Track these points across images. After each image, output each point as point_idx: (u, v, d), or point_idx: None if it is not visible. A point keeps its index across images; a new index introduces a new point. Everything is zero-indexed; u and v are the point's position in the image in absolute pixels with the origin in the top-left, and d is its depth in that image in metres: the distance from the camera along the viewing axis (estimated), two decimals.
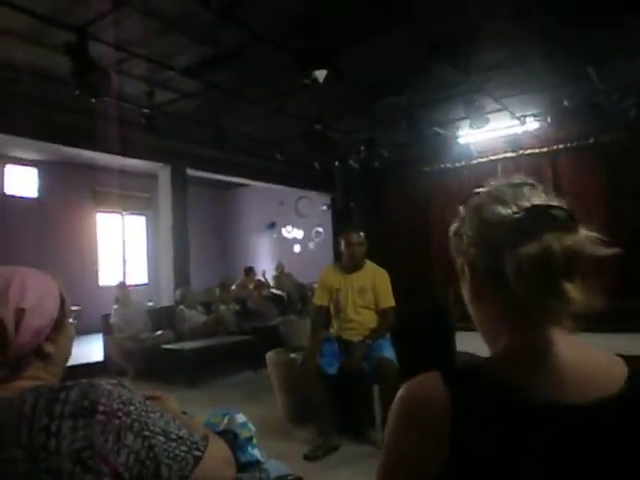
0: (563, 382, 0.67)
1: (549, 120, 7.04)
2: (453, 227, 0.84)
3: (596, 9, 4.29)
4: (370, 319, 3.71)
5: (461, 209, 0.81)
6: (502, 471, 0.64)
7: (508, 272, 0.66)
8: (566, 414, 0.65)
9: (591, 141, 8.08)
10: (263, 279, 9.54)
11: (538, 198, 0.72)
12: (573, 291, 0.65)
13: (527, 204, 0.71)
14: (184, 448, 0.93)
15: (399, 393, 0.73)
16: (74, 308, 1.08)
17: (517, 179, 0.78)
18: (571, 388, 0.66)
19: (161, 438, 0.91)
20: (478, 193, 0.80)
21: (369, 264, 3.83)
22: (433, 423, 0.67)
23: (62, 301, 1.01)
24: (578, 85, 6.04)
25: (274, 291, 8.87)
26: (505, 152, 8.74)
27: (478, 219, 0.75)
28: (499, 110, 6.89)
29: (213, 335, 6.61)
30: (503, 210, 0.72)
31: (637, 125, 6.64)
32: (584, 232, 0.67)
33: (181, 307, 6.86)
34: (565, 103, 6.41)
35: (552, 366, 0.68)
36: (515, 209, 0.71)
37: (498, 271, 0.69)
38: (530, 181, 0.77)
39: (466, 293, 0.80)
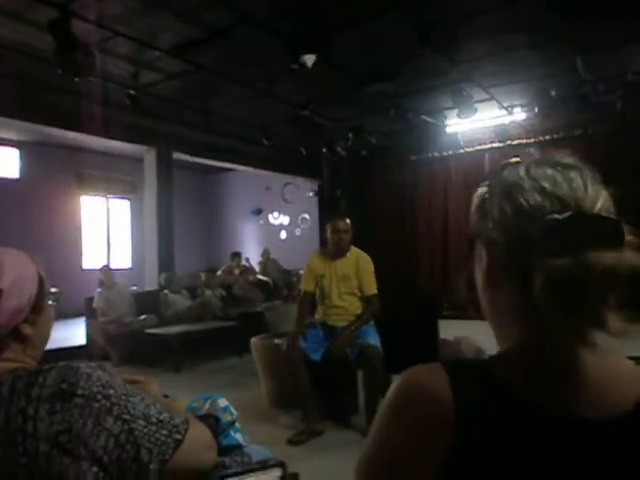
0: (582, 393, 0.60)
1: (536, 110, 7.06)
2: (478, 197, 0.72)
3: None
4: (355, 306, 3.73)
5: (491, 180, 0.70)
6: None
7: (534, 278, 0.58)
8: (582, 429, 0.59)
9: (578, 132, 8.14)
10: (247, 265, 9.52)
11: (585, 194, 0.62)
12: (607, 317, 0.56)
13: (572, 203, 0.61)
14: (164, 432, 0.92)
15: (397, 381, 0.66)
16: (54, 290, 1.06)
17: (565, 158, 0.67)
18: (590, 401, 0.60)
19: (141, 422, 0.90)
20: (515, 165, 0.68)
21: (354, 250, 3.84)
22: (434, 420, 0.60)
23: (41, 282, 0.99)
24: (565, 76, 6.06)
25: (260, 277, 8.87)
26: (492, 142, 8.77)
27: (511, 203, 0.64)
28: (487, 100, 6.90)
29: (198, 320, 6.59)
30: (543, 202, 0.62)
31: (624, 117, 6.69)
32: (630, 250, 0.58)
33: (165, 292, 6.82)
34: (552, 94, 6.43)
35: (571, 375, 0.61)
36: (557, 206, 0.61)
37: (521, 269, 0.61)
38: (578, 163, 0.67)
39: (480, 278, 0.71)
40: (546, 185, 0.63)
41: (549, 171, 0.65)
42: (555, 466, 0.58)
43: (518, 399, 0.60)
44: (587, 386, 0.60)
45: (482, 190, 0.72)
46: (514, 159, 0.70)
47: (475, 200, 0.72)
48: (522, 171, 0.66)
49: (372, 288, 3.74)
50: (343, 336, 3.56)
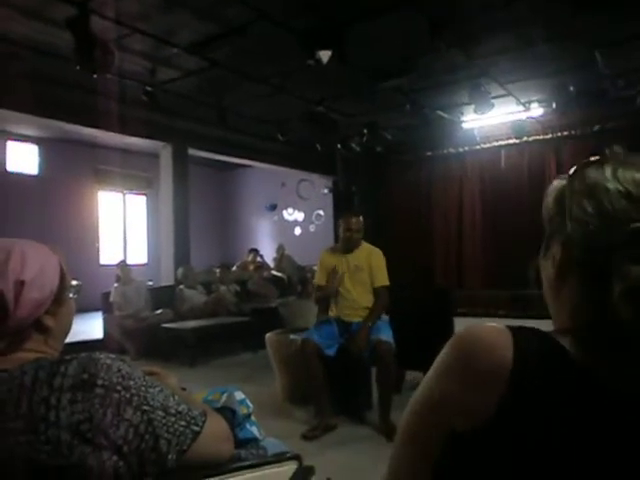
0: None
1: (554, 106, 6.97)
2: (555, 191, 0.72)
3: None
4: (365, 298, 3.74)
5: (572, 176, 0.69)
6: (556, 456, 0.59)
7: (614, 282, 0.59)
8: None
9: (596, 129, 8.02)
10: (261, 261, 9.56)
11: None
12: None
13: None
14: (183, 423, 0.94)
15: (459, 333, 0.66)
16: (74, 283, 1.07)
17: None
18: None
19: (160, 412, 0.91)
20: (599, 163, 0.67)
21: (365, 244, 3.86)
22: (491, 372, 0.61)
23: (62, 274, 1.01)
24: (584, 71, 5.98)
25: (274, 273, 8.89)
26: (509, 138, 8.68)
27: (594, 203, 0.64)
28: (504, 95, 6.83)
29: (213, 315, 6.64)
30: (628, 208, 0.61)
31: None
32: None
33: (181, 287, 6.88)
34: (571, 89, 6.34)
35: (631, 354, 0.61)
36: None
37: (597, 269, 0.62)
38: None
39: (549, 270, 0.71)
40: (633, 190, 0.62)
41: (637, 175, 0.64)
42: (597, 436, 0.59)
43: (576, 365, 0.61)
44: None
45: (559, 184, 0.71)
46: (595, 157, 0.69)
47: (551, 193, 0.72)
48: (608, 172, 0.65)
49: (383, 280, 3.75)
50: (360, 334, 3.56)
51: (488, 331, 0.65)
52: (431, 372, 0.68)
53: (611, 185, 0.64)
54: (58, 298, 0.99)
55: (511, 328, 0.65)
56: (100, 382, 0.87)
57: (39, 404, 0.84)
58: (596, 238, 0.62)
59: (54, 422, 0.83)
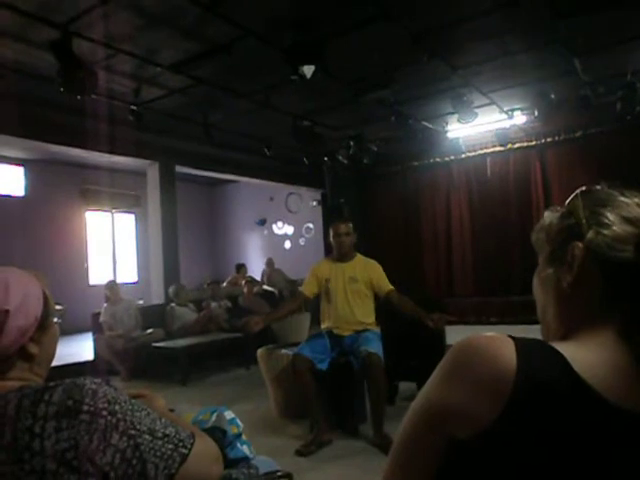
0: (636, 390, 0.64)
1: (536, 114, 7.07)
2: (554, 213, 0.81)
3: None
4: (358, 310, 3.72)
5: (581, 194, 0.78)
6: (555, 466, 0.60)
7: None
8: (633, 424, 0.62)
9: (578, 134, 8.14)
10: (252, 276, 9.54)
11: None
12: None
13: None
14: (170, 446, 0.93)
15: (461, 341, 0.68)
16: (58, 307, 1.07)
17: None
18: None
19: (147, 437, 0.91)
20: (603, 187, 0.77)
21: (359, 256, 3.86)
22: (493, 381, 0.62)
23: (46, 301, 1.00)
24: (565, 78, 6.08)
25: (265, 287, 8.87)
26: (494, 146, 8.79)
27: (614, 210, 0.73)
28: (487, 104, 6.91)
29: (204, 332, 6.60)
30: None
31: (624, 118, 6.69)
32: None
33: (172, 305, 6.84)
34: (552, 96, 6.43)
35: (631, 371, 0.65)
36: None
37: (616, 267, 0.69)
38: None
39: (563, 277, 0.75)
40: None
41: (637, 197, 0.74)
42: (598, 453, 0.60)
43: (579, 379, 0.63)
44: None
45: (553, 210, 0.81)
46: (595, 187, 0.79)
47: (549, 216, 0.81)
48: (616, 192, 0.75)
49: (389, 285, 3.74)
50: (433, 314, 3.48)
51: (490, 340, 0.66)
52: (431, 380, 0.69)
53: (624, 198, 0.74)
54: (42, 325, 0.99)
55: (513, 337, 0.66)
56: (85, 408, 0.87)
57: (23, 433, 0.83)
58: (622, 238, 0.70)
59: (39, 451, 0.83)
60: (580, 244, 0.73)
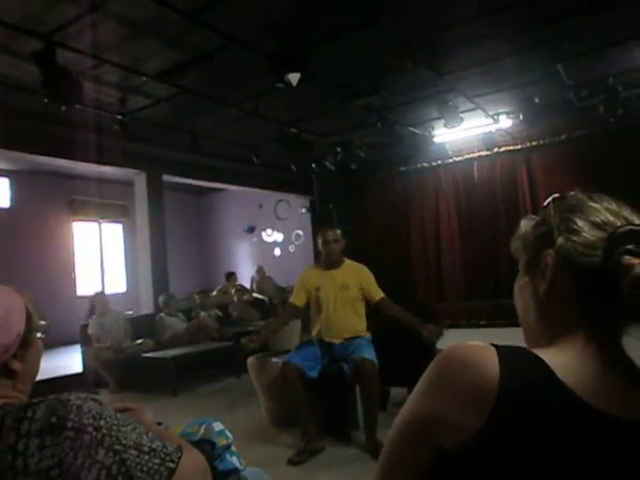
0: (619, 394, 0.65)
1: (521, 118, 7.13)
2: (529, 221, 0.81)
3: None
4: (350, 318, 3.70)
5: (553, 203, 0.78)
6: (542, 472, 0.61)
7: (620, 276, 0.64)
8: (616, 428, 0.63)
9: (563, 137, 8.24)
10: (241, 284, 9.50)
11: (632, 216, 0.73)
12: None
13: (633, 221, 0.71)
14: (157, 460, 0.92)
15: (445, 351, 0.68)
16: (42, 322, 1.06)
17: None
18: (627, 402, 0.65)
19: (133, 452, 0.90)
20: (572, 195, 0.78)
21: (348, 262, 3.84)
22: (477, 391, 0.62)
23: (28, 317, 0.99)
24: (548, 82, 6.14)
25: (255, 295, 8.83)
26: (480, 150, 8.86)
27: (583, 216, 0.73)
28: (473, 109, 6.97)
29: (195, 342, 6.55)
30: (614, 219, 0.71)
31: (607, 120, 6.77)
32: None
33: (161, 314, 6.78)
34: (537, 100, 6.50)
35: (614, 376, 0.67)
36: (624, 222, 0.70)
37: (591, 270, 0.68)
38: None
39: (538, 285, 0.75)
40: (612, 207, 0.73)
41: (608, 202, 0.75)
42: (583, 458, 0.61)
43: (562, 385, 0.63)
44: (626, 388, 0.66)
45: (529, 219, 0.82)
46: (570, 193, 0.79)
47: (526, 225, 0.82)
48: (585, 197, 0.76)
49: (380, 292, 3.73)
50: (427, 325, 3.49)
51: (473, 349, 0.66)
52: (416, 390, 0.69)
53: (593, 204, 0.74)
54: (25, 341, 0.97)
55: (495, 346, 0.67)
56: (70, 424, 0.85)
57: (6, 452, 0.82)
58: (591, 243, 0.69)
59: (22, 470, 0.81)
60: (552, 251, 0.73)
